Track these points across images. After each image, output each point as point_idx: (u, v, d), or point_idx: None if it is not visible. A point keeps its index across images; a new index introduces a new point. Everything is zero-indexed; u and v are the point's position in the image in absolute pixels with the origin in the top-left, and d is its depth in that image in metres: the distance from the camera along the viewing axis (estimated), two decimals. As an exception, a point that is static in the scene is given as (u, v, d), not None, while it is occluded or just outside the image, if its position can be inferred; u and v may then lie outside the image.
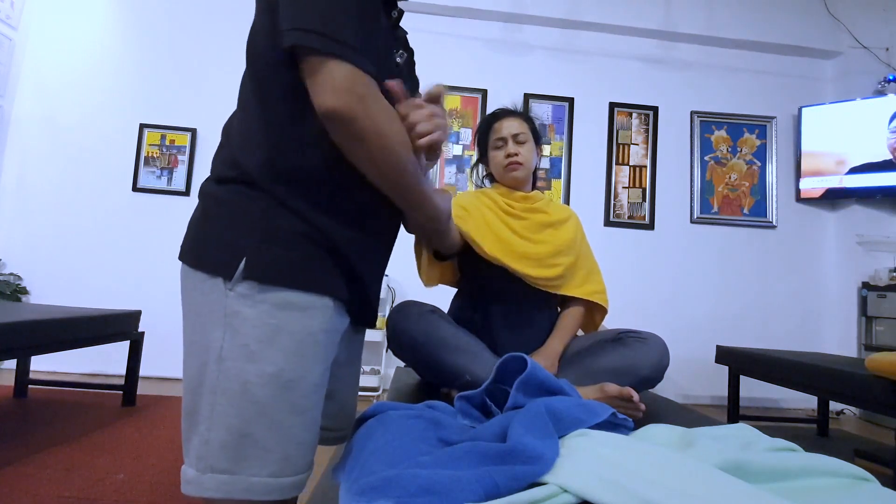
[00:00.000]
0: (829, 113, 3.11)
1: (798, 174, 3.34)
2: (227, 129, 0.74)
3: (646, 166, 3.32)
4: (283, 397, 0.64)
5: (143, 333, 2.42)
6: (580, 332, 1.50)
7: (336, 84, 0.62)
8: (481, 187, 1.55)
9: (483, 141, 1.48)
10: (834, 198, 3.10)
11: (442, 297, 1.51)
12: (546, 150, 3.28)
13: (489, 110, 3.19)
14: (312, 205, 0.68)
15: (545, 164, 3.27)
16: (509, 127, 1.42)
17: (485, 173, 1.54)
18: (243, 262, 0.65)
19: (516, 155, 1.40)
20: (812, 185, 3.08)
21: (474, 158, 1.57)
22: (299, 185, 0.68)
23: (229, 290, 0.64)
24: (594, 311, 1.48)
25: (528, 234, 1.40)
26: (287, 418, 0.65)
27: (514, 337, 1.37)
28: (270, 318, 0.64)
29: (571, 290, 1.41)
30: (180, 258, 0.70)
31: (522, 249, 1.36)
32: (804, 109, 3.19)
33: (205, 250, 0.68)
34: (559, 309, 1.47)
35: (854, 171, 3.01)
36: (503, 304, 1.37)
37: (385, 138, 0.66)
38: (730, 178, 3.36)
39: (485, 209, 1.40)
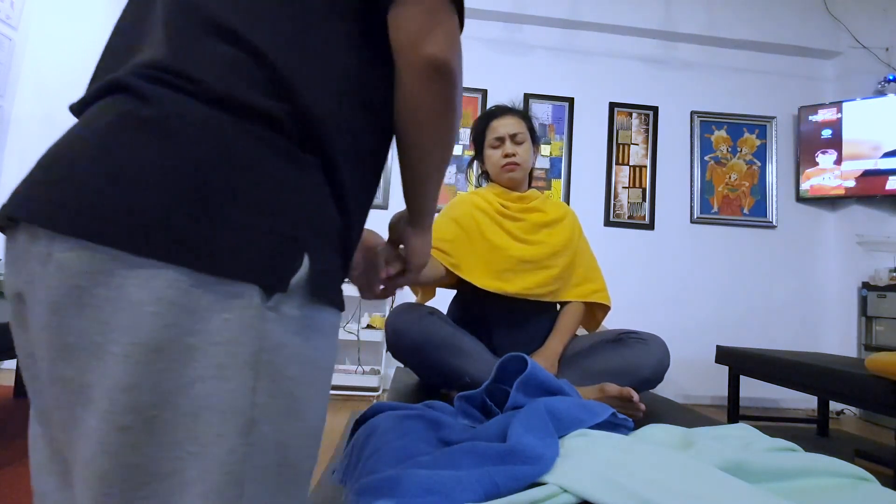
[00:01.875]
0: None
1: (798, 174, 3.34)
2: (260, 26, 0.45)
3: (646, 166, 3.32)
4: (314, 459, 0.48)
5: (143, 333, 2.41)
6: (584, 331, 1.50)
7: (451, 37, 0.50)
8: (480, 186, 1.55)
9: (479, 139, 1.46)
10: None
11: (441, 298, 1.51)
12: (546, 150, 3.28)
13: (489, 110, 3.21)
14: (358, 190, 0.52)
15: (545, 164, 3.27)
16: (507, 126, 1.39)
17: (480, 172, 1.53)
18: (306, 264, 0.43)
19: (514, 155, 1.38)
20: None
21: (472, 156, 1.56)
22: (361, 156, 0.51)
23: (269, 308, 0.41)
24: (595, 308, 1.48)
25: (525, 235, 1.39)
26: (307, 486, 0.48)
27: (512, 337, 1.37)
28: (314, 351, 0.45)
29: (570, 293, 1.41)
30: (160, 256, 0.37)
31: (519, 254, 1.35)
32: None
33: (228, 241, 0.40)
34: (558, 307, 1.47)
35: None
36: (501, 305, 1.37)
37: (459, 115, 0.56)
38: (730, 178, 3.36)
39: (479, 214, 1.39)
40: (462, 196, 1.48)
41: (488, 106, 3.20)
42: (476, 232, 1.36)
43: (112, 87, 0.43)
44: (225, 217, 0.40)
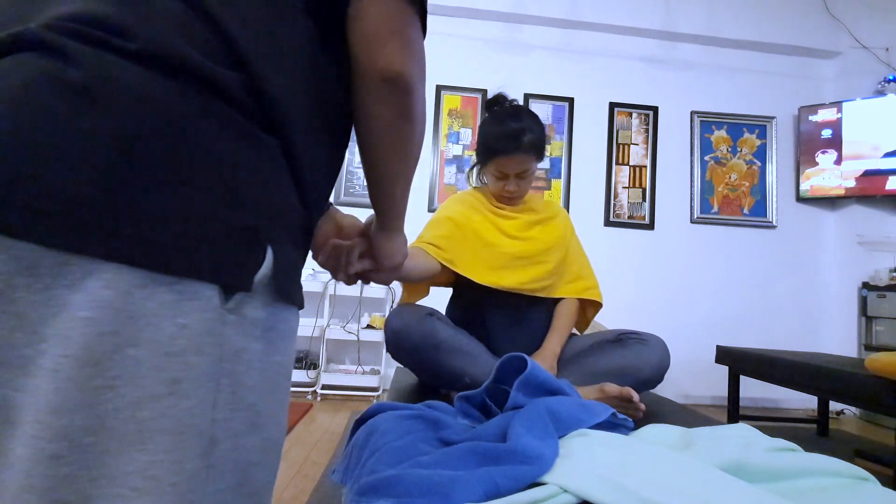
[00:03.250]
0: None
1: (798, 174, 3.34)
2: None
3: (646, 166, 3.32)
4: (274, 474, 0.43)
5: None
6: (575, 331, 1.50)
7: (410, 46, 0.46)
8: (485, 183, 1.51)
9: (486, 155, 1.34)
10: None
11: (440, 298, 1.51)
12: (546, 150, 3.27)
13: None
14: (318, 178, 0.48)
15: (546, 164, 3.27)
16: (514, 166, 1.30)
17: (479, 170, 1.44)
18: (269, 259, 0.39)
19: (516, 189, 1.36)
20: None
21: (473, 159, 1.51)
22: (320, 142, 0.47)
23: (229, 311, 0.36)
24: (586, 306, 1.48)
25: (517, 232, 1.40)
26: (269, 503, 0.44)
27: (510, 336, 1.37)
28: (275, 356, 0.41)
29: (563, 290, 1.42)
30: (94, 251, 0.31)
31: (512, 250, 1.36)
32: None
33: (180, 232, 0.34)
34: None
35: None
36: (497, 301, 1.37)
37: (422, 126, 0.53)
38: (730, 178, 3.36)
39: (472, 212, 1.39)
40: (457, 195, 1.49)
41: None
42: (469, 229, 1.36)
43: (15, 42, 0.34)
44: (174, 204, 0.33)
